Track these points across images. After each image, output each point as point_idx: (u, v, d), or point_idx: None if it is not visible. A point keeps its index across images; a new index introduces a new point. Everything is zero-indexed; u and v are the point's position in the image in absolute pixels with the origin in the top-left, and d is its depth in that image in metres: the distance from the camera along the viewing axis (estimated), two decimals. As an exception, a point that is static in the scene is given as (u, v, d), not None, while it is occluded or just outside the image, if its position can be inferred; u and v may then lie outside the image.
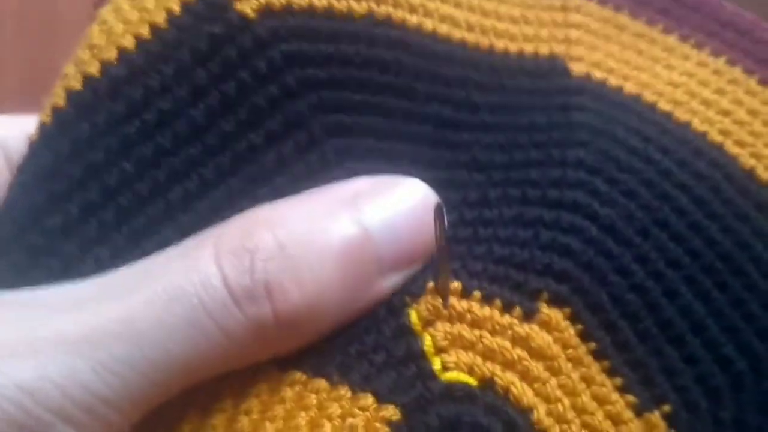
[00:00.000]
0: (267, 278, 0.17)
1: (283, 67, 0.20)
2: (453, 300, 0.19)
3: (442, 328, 0.19)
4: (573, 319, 0.19)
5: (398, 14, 0.22)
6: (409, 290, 0.19)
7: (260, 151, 0.20)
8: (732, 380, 0.19)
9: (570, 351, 0.19)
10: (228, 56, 0.20)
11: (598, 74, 0.23)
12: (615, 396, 0.19)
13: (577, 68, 0.23)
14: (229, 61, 0.20)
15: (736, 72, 0.23)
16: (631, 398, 0.19)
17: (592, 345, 0.19)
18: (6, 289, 0.18)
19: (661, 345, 0.20)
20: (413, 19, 0.22)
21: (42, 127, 0.19)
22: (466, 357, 0.19)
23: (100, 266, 0.18)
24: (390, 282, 0.19)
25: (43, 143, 0.19)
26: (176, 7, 0.20)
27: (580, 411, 0.19)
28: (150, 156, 0.19)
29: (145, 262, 0.18)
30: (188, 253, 0.18)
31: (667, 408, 0.19)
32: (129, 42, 0.20)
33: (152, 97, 0.19)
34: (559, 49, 0.23)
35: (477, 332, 0.19)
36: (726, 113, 0.22)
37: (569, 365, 0.19)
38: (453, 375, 0.19)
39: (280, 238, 0.18)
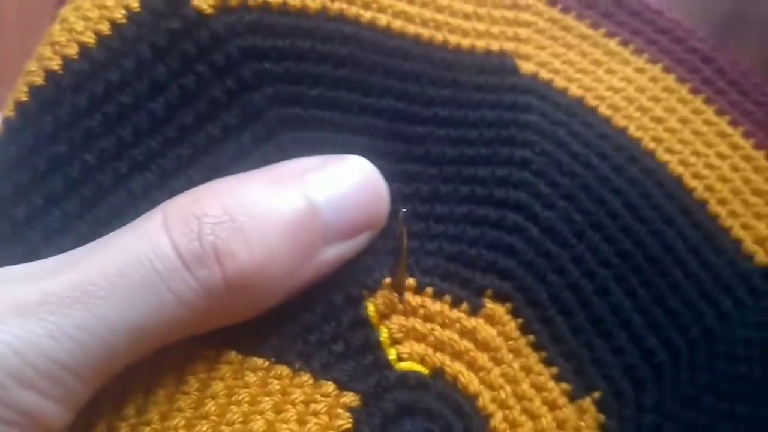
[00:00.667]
0: (215, 242, 0.18)
1: (240, 61, 0.21)
2: (407, 295, 0.21)
3: (397, 321, 0.20)
4: (514, 313, 0.21)
5: (352, 10, 0.22)
6: (366, 284, 0.20)
7: (218, 142, 0.21)
8: (654, 370, 0.22)
9: (511, 342, 0.21)
10: (186, 51, 0.20)
11: (544, 74, 0.24)
12: (551, 384, 0.21)
13: (525, 67, 0.24)
14: (187, 55, 0.20)
15: (671, 80, 0.25)
16: (565, 386, 0.21)
17: (531, 337, 0.21)
18: None
19: (592, 338, 0.21)
20: (367, 15, 0.23)
21: (6, 121, 0.20)
22: (418, 348, 0.20)
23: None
24: (336, 251, 0.20)
25: (7, 137, 0.19)
26: (135, 4, 0.20)
27: (520, 397, 0.21)
28: (111, 148, 0.20)
29: (102, 238, 0.19)
30: (139, 224, 0.18)
31: (597, 395, 0.21)
32: (90, 38, 0.20)
33: (113, 91, 0.20)
34: (509, 46, 0.24)
35: (429, 325, 0.21)
36: (659, 121, 0.24)
37: (511, 356, 0.21)
38: (407, 365, 0.20)
39: (226, 205, 0.18)
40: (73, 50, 0.20)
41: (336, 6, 0.22)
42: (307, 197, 0.19)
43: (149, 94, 0.20)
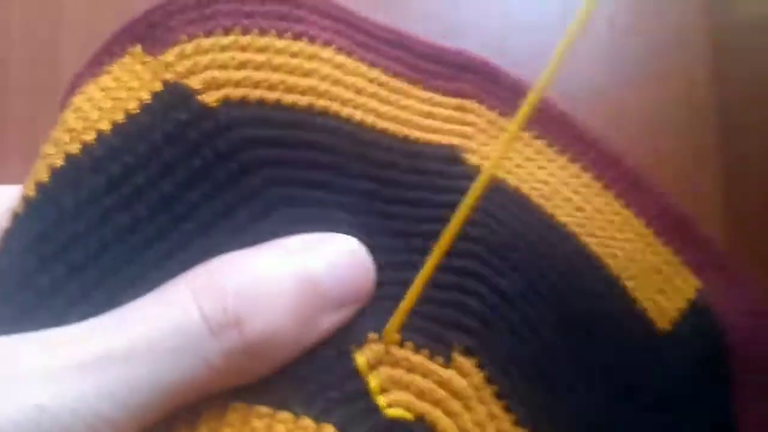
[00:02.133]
0: (237, 312, 0.20)
1: (240, 147, 0.24)
2: (393, 348, 0.23)
3: (384, 371, 0.23)
4: (480, 366, 0.24)
5: (333, 107, 0.26)
6: (355, 339, 0.23)
7: (221, 218, 0.23)
8: (594, 414, 0.25)
9: (479, 392, 0.24)
10: (193, 138, 0.23)
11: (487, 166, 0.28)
12: (512, 429, 0.24)
13: (471, 159, 0.28)
14: (194, 141, 0.23)
15: (587, 177, 0.30)
16: (522, 430, 0.24)
17: (495, 388, 0.24)
18: None
19: (542, 388, 0.25)
20: (345, 111, 0.26)
21: (26, 199, 0.22)
22: (404, 396, 0.23)
23: (84, 319, 0.20)
24: (333, 319, 0.22)
25: (29, 213, 0.21)
26: (146, 96, 0.23)
27: None
28: (127, 224, 0.22)
29: (129, 305, 0.20)
30: (166, 295, 0.20)
31: None
32: (105, 126, 0.23)
33: (128, 173, 0.22)
34: (458, 141, 0.28)
35: (411, 376, 0.23)
36: (580, 210, 0.29)
37: (479, 404, 0.24)
38: (395, 411, 0.23)
39: (243, 280, 0.21)
40: (90, 136, 0.22)
41: (321, 103, 0.25)
42: (307, 271, 0.22)
43: (160, 175, 0.23)
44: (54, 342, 0.19)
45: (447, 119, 0.29)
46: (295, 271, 0.22)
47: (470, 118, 0.29)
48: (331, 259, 0.23)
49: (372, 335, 0.23)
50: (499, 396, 0.24)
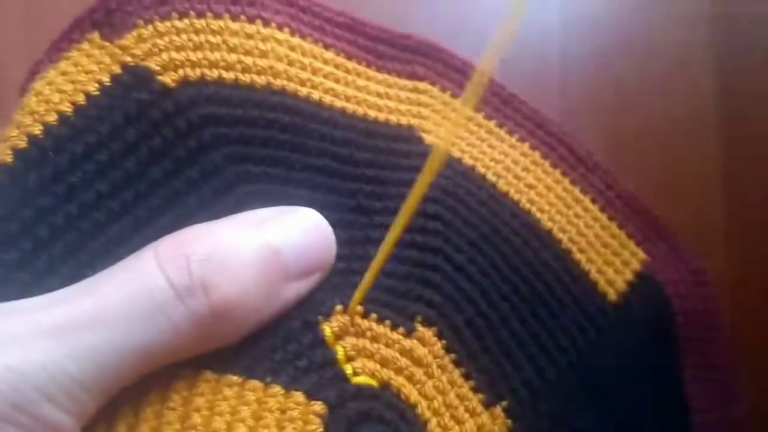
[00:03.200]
0: (203, 276, 0.21)
1: (200, 126, 0.24)
2: (357, 319, 0.24)
3: (349, 341, 0.24)
4: (439, 335, 0.25)
5: (291, 86, 0.26)
6: (321, 311, 0.24)
7: (183, 194, 0.24)
8: (545, 382, 0.26)
9: (438, 360, 0.25)
10: (154, 117, 0.24)
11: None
12: (470, 395, 0.25)
13: (427, 138, 0.29)
14: (154, 121, 0.24)
15: (537, 155, 0.31)
16: (480, 396, 0.25)
17: (453, 356, 0.25)
18: None
19: (498, 357, 0.26)
20: (303, 90, 0.27)
21: None
22: (369, 364, 0.24)
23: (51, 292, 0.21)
24: (298, 288, 0.23)
25: None
26: (106, 79, 0.24)
27: (448, 406, 0.25)
28: (91, 200, 0.23)
29: (98, 274, 0.21)
30: (134, 263, 0.21)
31: (504, 403, 0.26)
32: (67, 108, 0.23)
33: (91, 151, 0.23)
34: (414, 121, 0.29)
35: (376, 345, 0.24)
36: (531, 187, 0.30)
37: (439, 371, 0.25)
38: (361, 379, 0.23)
39: (208, 246, 0.21)
40: (52, 117, 0.23)
41: (278, 83, 0.26)
42: (269, 242, 0.22)
43: (122, 153, 0.23)
44: (20, 310, 0.19)
45: (403, 100, 0.30)
46: (259, 241, 0.22)
47: (424, 99, 0.30)
48: (293, 230, 0.23)
49: (338, 307, 0.24)
50: (457, 363, 0.25)
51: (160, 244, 0.21)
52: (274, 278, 0.22)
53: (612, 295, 0.30)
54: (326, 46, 0.28)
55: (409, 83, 0.30)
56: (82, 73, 0.24)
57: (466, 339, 0.26)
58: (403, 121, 0.29)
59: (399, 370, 0.24)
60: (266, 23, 0.26)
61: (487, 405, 0.25)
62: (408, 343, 0.25)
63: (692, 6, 0.42)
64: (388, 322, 0.24)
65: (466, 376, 0.25)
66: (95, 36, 0.25)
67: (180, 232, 0.22)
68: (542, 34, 0.42)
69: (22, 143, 0.22)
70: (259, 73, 0.25)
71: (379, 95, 0.29)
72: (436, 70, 0.31)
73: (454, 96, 0.31)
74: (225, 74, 0.25)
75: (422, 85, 0.30)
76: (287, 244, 0.23)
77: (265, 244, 0.22)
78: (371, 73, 0.29)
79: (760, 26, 0.42)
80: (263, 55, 0.26)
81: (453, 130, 0.29)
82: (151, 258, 0.21)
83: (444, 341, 0.25)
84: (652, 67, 0.42)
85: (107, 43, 0.24)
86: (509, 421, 0.25)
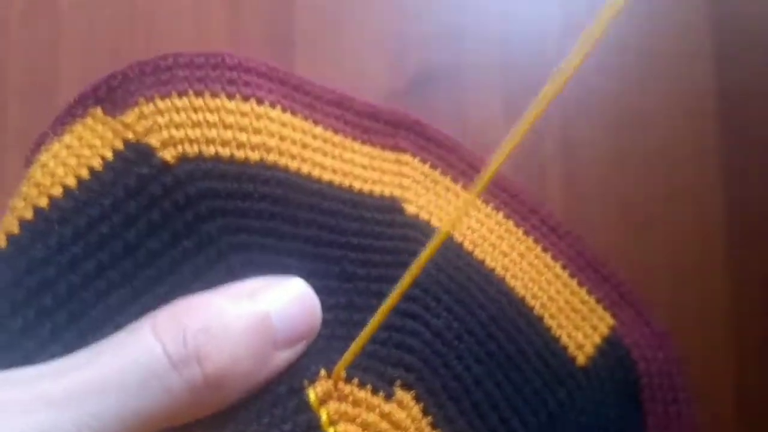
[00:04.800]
0: (197, 347, 0.22)
1: (197, 199, 0.26)
2: (341, 384, 0.25)
3: (333, 405, 0.25)
4: (417, 399, 0.27)
5: (282, 161, 0.28)
6: (306, 375, 0.25)
7: (179, 264, 0.25)
8: None
9: (417, 423, 0.26)
10: (153, 191, 0.25)
11: (424, 215, 0.31)
12: None
13: (409, 208, 0.31)
14: (154, 194, 0.25)
15: (510, 224, 0.33)
16: None
17: (430, 418, 0.27)
18: None
19: (473, 419, 0.28)
20: (294, 164, 0.28)
21: None
22: (351, 428, 0.25)
23: (54, 359, 0.22)
24: (284, 356, 0.25)
25: (1, 263, 0.23)
26: (109, 154, 0.25)
27: None
28: (93, 270, 0.24)
29: (99, 343, 0.22)
30: (132, 333, 0.23)
31: None
32: (71, 181, 0.25)
33: (93, 223, 0.25)
34: (396, 192, 0.31)
35: (357, 409, 0.25)
36: (505, 254, 0.32)
37: None
38: None
39: (202, 319, 0.23)
40: (57, 191, 0.25)
41: (271, 157, 0.28)
42: (259, 313, 0.24)
43: (123, 225, 0.25)
44: (26, 378, 0.21)
45: (386, 171, 0.32)
46: (249, 312, 0.24)
47: (406, 170, 0.32)
48: (281, 301, 0.25)
49: (322, 372, 0.25)
50: (434, 426, 0.27)
51: (157, 315, 0.23)
52: (263, 348, 0.24)
53: (581, 359, 0.31)
54: (315, 122, 0.30)
55: (392, 155, 0.32)
56: (85, 147, 0.25)
57: (442, 402, 0.27)
58: (386, 191, 0.31)
59: None
60: (260, 101, 0.28)
61: None
62: (387, 407, 0.26)
63: (692, 7, 0.41)
64: (369, 386, 0.26)
65: None
66: (98, 111, 0.26)
67: (175, 303, 0.23)
68: (542, 33, 0.42)
69: (28, 214, 0.24)
70: (253, 148, 0.27)
71: (363, 167, 0.31)
72: (417, 143, 0.33)
73: (433, 167, 0.33)
74: (221, 150, 0.26)
75: (404, 157, 0.32)
76: (276, 315, 0.24)
77: (256, 314, 0.24)
78: (357, 146, 0.31)
79: (760, 26, 0.41)
80: (257, 131, 0.27)
81: (458, 215, 0.31)
82: (149, 329, 0.22)
83: (422, 404, 0.27)
84: (652, 68, 0.41)
85: (110, 119, 0.26)
86: None
